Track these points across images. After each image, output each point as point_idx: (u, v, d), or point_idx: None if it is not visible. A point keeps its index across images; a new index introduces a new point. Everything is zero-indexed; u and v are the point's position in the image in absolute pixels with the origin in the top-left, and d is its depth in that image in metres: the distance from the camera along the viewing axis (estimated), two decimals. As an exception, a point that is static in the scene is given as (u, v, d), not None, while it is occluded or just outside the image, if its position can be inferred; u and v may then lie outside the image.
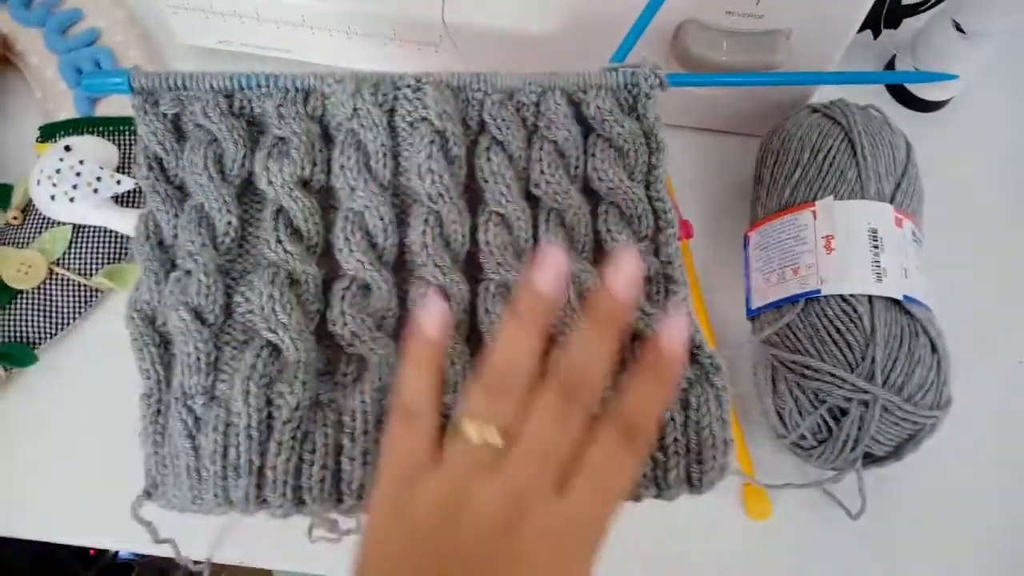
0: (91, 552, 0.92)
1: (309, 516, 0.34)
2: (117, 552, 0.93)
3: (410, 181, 0.36)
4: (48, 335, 0.47)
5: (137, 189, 0.48)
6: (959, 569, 0.45)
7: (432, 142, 0.35)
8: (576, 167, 0.38)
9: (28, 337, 0.46)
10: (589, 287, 0.34)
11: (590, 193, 0.38)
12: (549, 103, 0.37)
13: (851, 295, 0.41)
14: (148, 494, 0.35)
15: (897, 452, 0.42)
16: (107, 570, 0.93)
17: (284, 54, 0.52)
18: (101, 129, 0.50)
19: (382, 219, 0.36)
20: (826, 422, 0.41)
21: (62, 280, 0.47)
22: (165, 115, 0.36)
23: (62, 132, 0.50)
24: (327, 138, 0.37)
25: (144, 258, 0.36)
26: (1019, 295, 0.51)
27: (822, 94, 0.50)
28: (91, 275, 0.47)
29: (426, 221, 0.36)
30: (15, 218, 0.48)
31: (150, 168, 0.36)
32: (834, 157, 0.44)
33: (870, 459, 0.42)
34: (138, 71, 0.36)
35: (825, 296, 0.42)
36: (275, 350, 0.33)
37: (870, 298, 0.41)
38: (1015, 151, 0.56)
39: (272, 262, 0.35)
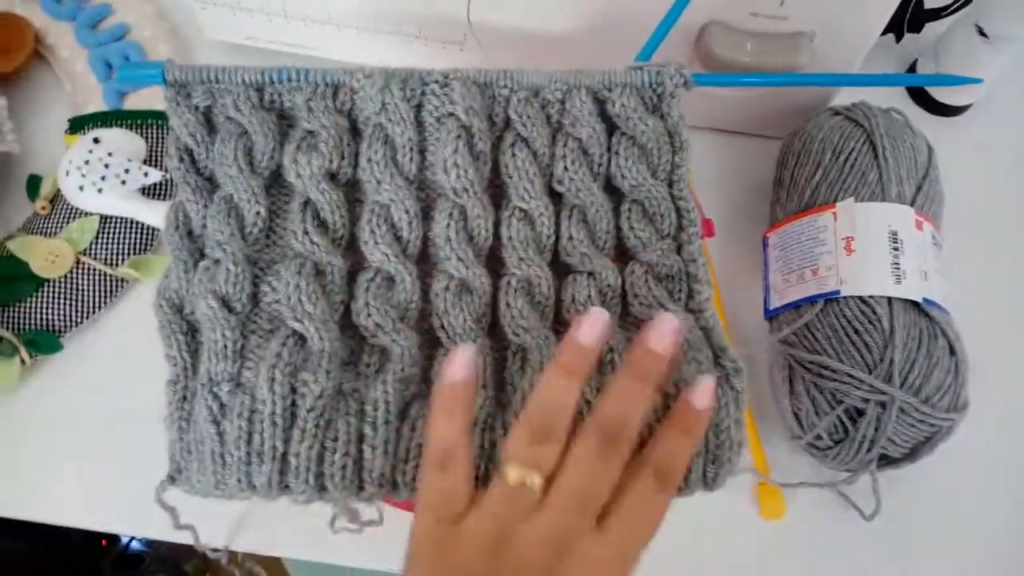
0: (103, 543, 0.93)
1: (330, 503, 0.34)
2: (129, 543, 0.94)
3: (436, 175, 0.37)
4: (74, 323, 0.47)
5: (164, 181, 0.49)
6: (972, 570, 0.45)
7: (458, 137, 0.36)
8: (600, 164, 0.38)
9: (54, 325, 0.47)
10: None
11: (613, 191, 0.38)
12: (574, 101, 0.37)
13: (870, 296, 0.41)
14: (172, 479, 0.36)
15: (912, 454, 0.42)
16: (119, 560, 0.94)
17: (311, 51, 0.52)
18: (129, 122, 0.51)
19: (407, 212, 0.36)
20: (843, 423, 0.41)
21: (89, 269, 0.48)
22: (197, 107, 0.37)
23: (91, 124, 0.51)
24: (355, 132, 0.38)
25: (173, 247, 0.36)
26: (1037, 300, 0.51)
27: (843, 97, 0.50)
28: (117, 265, 0.48)
29: (450, 215, 0.36)
30: (44, 208, 0.49)
31: (181, 159, 0.37)
32: (855, 159, 0.45)
33: (885, 461, 0.42)
34: (172, 64, 0.36)
35: (844, 297, 0.42)
36: (300, 339, 0.34)
37: (889, 300, 0.41)
38: (1036, 157, 0.56)
39: (299, 253, 0.35)
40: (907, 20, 0.53)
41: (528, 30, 0.47)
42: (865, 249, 0.42)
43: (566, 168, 0.37)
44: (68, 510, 0.45)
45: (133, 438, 0.42)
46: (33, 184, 0.50)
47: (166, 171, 0.49)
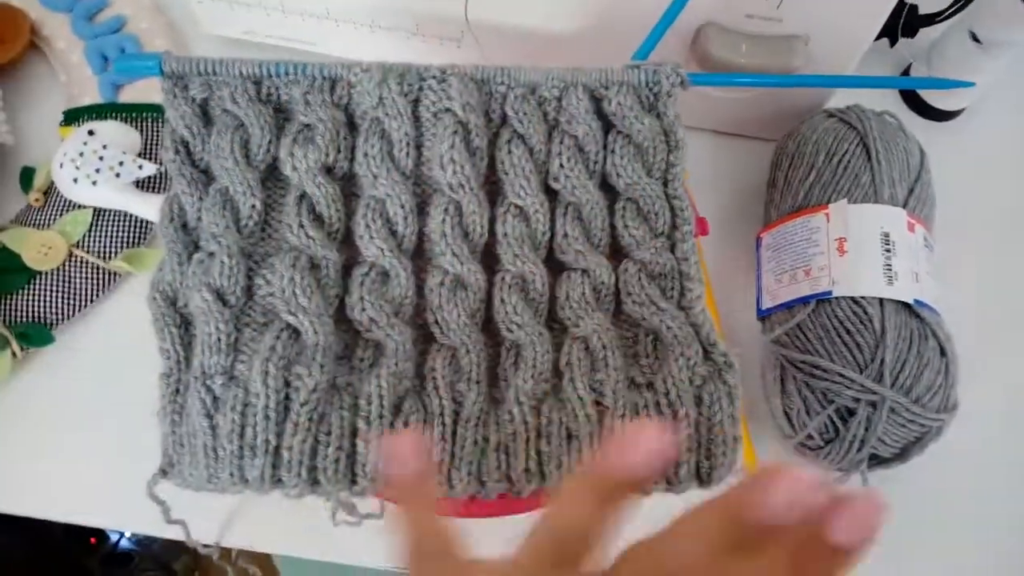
0: (92, 541, 0.92)
1: (322, 497, 0.34)
2: (118, 541, 0.93)
3: (432, 171, 0.37)
4: (66, 316, 0.47)
5: (159, 175, 0.49)
6: (963, 570, 0.45)
7: (455, 133, 0.36)
8: (595, 162, 0.38)
9: (46, 317, 0.47)
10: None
11: (608, 188, 0.39)
12: (571, 98, 0.37)
13: (862, 297, 0.41)
14: (164, 472, 0.36)
15: (903, 454, 0.42)
16: (108, 559, 0.93)
17: (308, 46, 0.52)
18: (124, 115, 0.51)
19: (403, 207, 0.36)
20: (833, 422, 0.41)
21: (81, 262, 0.48)
22: (194, 99, 0.37)
23: (86, 116, 0.50)
24: (352, 126, 0.38)
25: (168, 240, 0.36)
26: (1027, 303, 0.52)
27: (837, 100, 0.51)
28: (110, 258, 0.48)
29: (446, 210, 0.36)
30: (37, 200, 0.49)
31: (176, 152, 0.37)
32: (849, 161, 0.45)
33: (875, 461, 0.43)
34: (169, 55, 0.36)
35: (836, 297, 0.42)
36: (294, 333, 0.34)
37: (881, 301, 0.41)
38: (1027, 162, 0.56)
39: (294, 246, 0.35)
40: (901, 25, 0.53)
41: (525, 28, 0.47)
42: (857, 250, 0.42)
43: (562, 165, 0.37)
44: (59, 504, 0.45)
45: (125, 432, 0.42)
46: (27, 176, 0.50)
47: (161, 164, 0.49)
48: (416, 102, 0.37)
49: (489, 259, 0.37)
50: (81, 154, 0.48)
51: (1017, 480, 0.47)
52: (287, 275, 0.34)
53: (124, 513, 0.45)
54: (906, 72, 0.57)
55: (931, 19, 0.53)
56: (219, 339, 0.34)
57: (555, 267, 0.37)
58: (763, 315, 0.46)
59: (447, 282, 0.36)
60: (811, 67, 0.46)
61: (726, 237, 0.51)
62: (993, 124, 0.57)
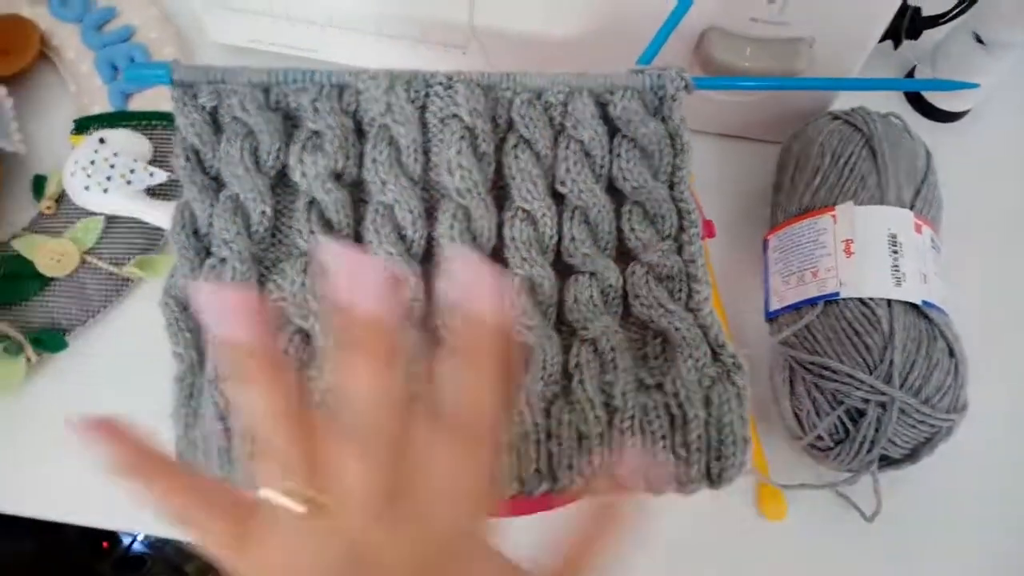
0: (104, 545, 0.92)
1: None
2: (130, 545, 0.94)
3: (440, 176, 0.37)
4: (79, 322, 0.48)
5: (169, 182, 0.49)
6: (973, 570, 0.45)
7: (462, 138, 0.36)
8: (601, 166, 0.38)
9: (59, 324, 0.47)
10: None
11: (615, 192, 0.39)
12: (576, 103, 0.38)
13: (870, 298, 0.42)
14: (177, 476, 0.36)
15: (913, 455, 0.42)
16: (120, 562, 0.94)
17: (314, 54, 0.53)
18: (134, 123, 0.51)
19: (411, 212, 0.36)
20: (843, 423, 0.42)
21: (94, 269, 0.48)
22: (203, 107, 0.37)
23: (96, 125, 0.51)
24: (360, 133, 0.38)
25: (179, 246, 0.37)
26: (1035, 303, 0.52)
27: (842, 102, 0.51)
28: (122, 265, 0.48)
29: (454, 216, 0.36)
30: (49, 208, 0.49)
31: (187, 159, 0.37)
32: (855, 163, 0.45)
33: (886, 461, 0.43)
34: (179, 64, 0.37)
35: (844, 299, 0.42)
36: (306, 337, 0.34)
37: (889, 302, 0.41)
38: (1033, 163, 0.56)
39: (304, 251, 0.36)
40: (905, 27, 0.53)
41: (530, 34, 0.47)
42: (864, 252, 0.42)
43: (568, 170, 0.38)
44: (72, 507, 0.45)
45: (137, 436, 0.42)
46: (38, 184, 0.50)
47: (171, 171, 0.49)
48: (423, 108, 0.37)
49: (497, 264, 0.37)
50: (92, 162, 0.48)
51: (1026, 480, 0.47)
52: (298, 280, 0.35)
53: (137, 516, 0.45)
54: (910, 74, 0.57)
55: (935, 21, 0.53)
56: None
57: (563, 271, 0.38)
58: (771, 317, 0.46)
59: None
60: (815, 70, 0.47)
61: (733, 240, 0.51)
62: (998, 125, 0.57)
